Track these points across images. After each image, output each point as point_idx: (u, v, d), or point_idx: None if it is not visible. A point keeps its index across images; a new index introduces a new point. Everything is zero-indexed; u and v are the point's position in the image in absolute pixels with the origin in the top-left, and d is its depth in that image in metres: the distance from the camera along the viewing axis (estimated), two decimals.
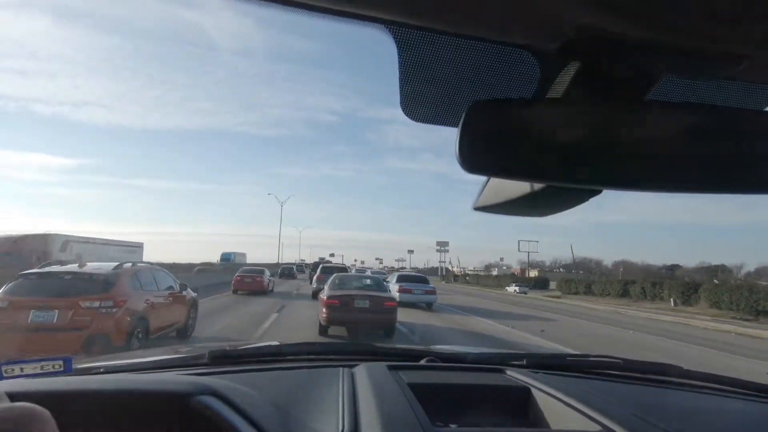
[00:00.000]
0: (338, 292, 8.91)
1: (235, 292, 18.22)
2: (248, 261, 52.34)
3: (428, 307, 14.97)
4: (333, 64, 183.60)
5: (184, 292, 7.88)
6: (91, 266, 6.40)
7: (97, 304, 5.50)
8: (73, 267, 6.33)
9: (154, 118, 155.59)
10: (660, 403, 1.29)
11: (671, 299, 27.86)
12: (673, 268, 63.19)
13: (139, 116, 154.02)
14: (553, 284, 48.35)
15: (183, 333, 7.81)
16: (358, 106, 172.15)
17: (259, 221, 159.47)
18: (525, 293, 40.28)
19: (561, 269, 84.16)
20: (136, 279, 6.49)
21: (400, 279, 15.53)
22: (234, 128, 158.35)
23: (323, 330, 8.78)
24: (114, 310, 5.64)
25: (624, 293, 33.05)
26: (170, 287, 7.57)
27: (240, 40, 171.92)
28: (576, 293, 38.24)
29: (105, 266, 6.45)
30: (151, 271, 7.33)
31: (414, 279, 16.00)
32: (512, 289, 44.25)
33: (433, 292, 15.31)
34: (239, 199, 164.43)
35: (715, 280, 35.28)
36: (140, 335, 6.05)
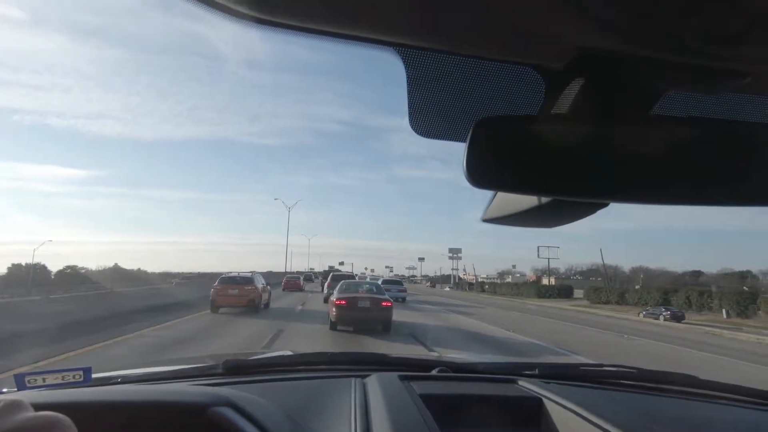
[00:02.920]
0: (345, 295, 10.75)
1: (284, 289, 29.27)
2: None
3: (402, 301, 23.72)
4: (338, 74, 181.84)
5: (267, 286, 16.67)
6: (241, 273, 15.57)
7: (250, 287, 14.44)
8: (235, 273, 15.52)
9: (165, 129, 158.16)
10: (675, 413, 1.27)
11: (723, 310, 25.08)
12: (696, 274, 58.72)
13: (149, 127, 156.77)
14: (578, 293, 45.00)
15: (267, 306, 16.38)
16: (364, 115, 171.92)
17: (266, 230, 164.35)
18: (452, 289, 63.35)
19: (578, 276, 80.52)
20: (256, 278, 15.40)
21: (383, 282, 24.11)
22: (241, 138, 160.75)
23: (333, 326, 10.51)
24: (254, 290, 14.50)
25: (664, 302, 29.20)
26: (263, 283, 16.22)
27: (245, 51, 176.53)
28: (607, 303, 35.19)
29: (246, 272, 15.66)
30: (259, 275, 16.35)
31: (392, 282, 25.82)
32: (447, 288, 65.20)
33: (404, 290, 24.93)
34: (247, 208, 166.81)
35: (744, 287, 34.32)
36: (260, 303, 14.86)
